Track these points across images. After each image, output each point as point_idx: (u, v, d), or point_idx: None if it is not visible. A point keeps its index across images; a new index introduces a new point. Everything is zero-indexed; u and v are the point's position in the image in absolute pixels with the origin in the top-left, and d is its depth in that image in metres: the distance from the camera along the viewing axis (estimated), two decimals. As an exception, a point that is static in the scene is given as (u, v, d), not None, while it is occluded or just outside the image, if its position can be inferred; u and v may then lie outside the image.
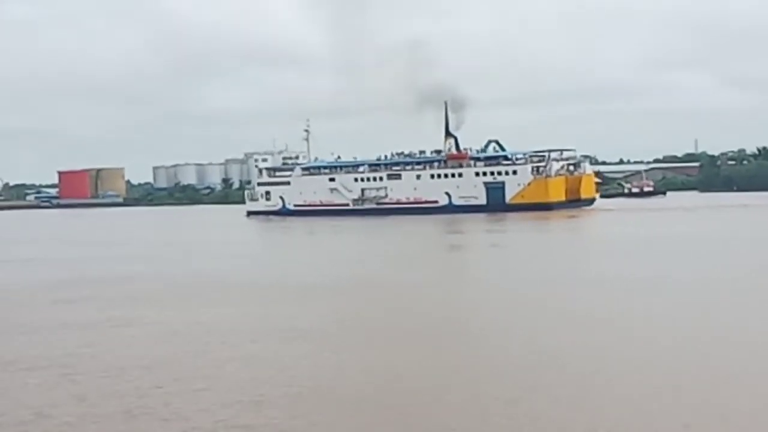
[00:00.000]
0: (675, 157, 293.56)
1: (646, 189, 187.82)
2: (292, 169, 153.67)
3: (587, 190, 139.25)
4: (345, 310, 37.21)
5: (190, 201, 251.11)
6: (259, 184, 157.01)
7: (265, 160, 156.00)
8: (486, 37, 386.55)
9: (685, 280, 43.75)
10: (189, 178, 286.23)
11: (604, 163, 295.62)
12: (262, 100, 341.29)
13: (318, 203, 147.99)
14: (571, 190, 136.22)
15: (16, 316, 37.96)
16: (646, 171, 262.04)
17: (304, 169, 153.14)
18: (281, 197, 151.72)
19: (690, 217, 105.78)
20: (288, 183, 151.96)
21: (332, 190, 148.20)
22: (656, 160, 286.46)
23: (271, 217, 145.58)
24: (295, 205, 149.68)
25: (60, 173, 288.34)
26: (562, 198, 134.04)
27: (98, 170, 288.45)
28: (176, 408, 21.64)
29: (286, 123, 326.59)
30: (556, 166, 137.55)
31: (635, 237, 74.93)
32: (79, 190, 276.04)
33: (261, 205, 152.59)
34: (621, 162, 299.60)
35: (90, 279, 52.34)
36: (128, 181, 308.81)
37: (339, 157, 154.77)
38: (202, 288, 46.22)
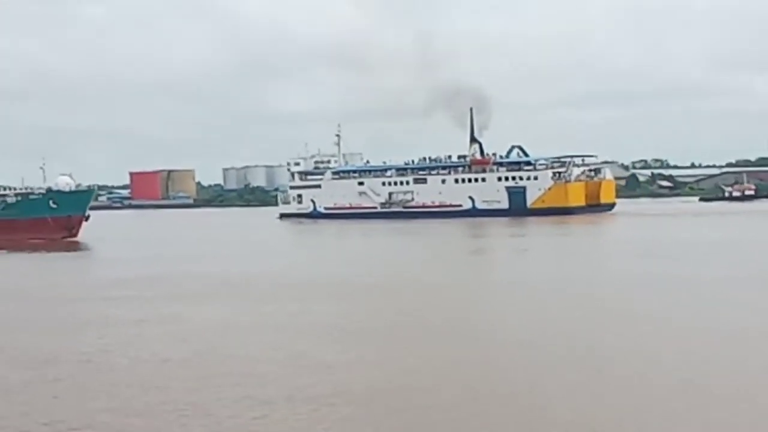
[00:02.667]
0: (748, 161, 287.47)
1: (747, 192, 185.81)
2: (323, 173, 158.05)
3: (607, 195, 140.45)
4: (397, 310, 38.80)
5: (259, 202, 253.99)
6: (291, 187, 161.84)
7: (297, 164, 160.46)
8: (549, 37, 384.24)
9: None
10: (258, 179, 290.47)
11: (675, 166, 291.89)
12: (330, 102, 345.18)
13: (347, 206, 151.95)
14: (591, 195, 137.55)
15: (71, 312, 41.55)
16: (717, 175, 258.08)
17: (334, 173, 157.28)
18: (312, 200, 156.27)
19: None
20: (319, 186, 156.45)
21: (361, 193, 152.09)
22: (729, 164, 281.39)
23: (302, 219, 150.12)
24: (326, 208, 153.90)
25: (132, 174, 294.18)
26: (582, 203, 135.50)
27: (169, 171, 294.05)
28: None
29: (352, 124, 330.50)
30: (576, 171, 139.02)
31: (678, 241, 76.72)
32: (151, 191, 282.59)
33: (293, 207, 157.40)
34: (692, 166, 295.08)
35: (148, 276, 56.58)
36: (198, 183, 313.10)
37: (368, 162, 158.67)
38: (255, 287, 48.75)
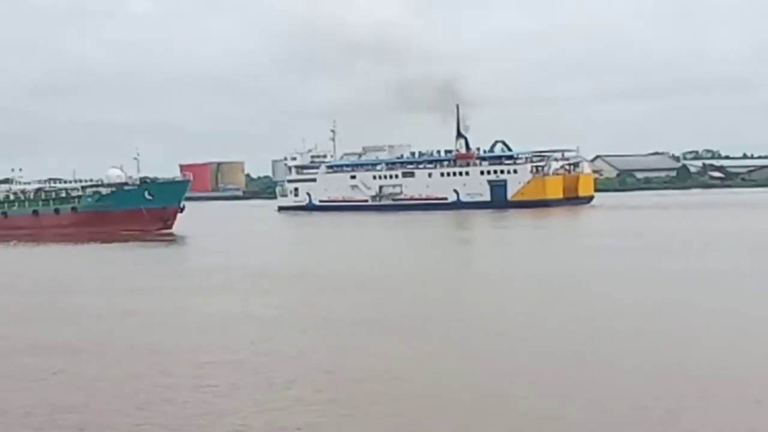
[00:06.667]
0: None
1: None
2: (318, 167, 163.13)
3: (585, 188, 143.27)
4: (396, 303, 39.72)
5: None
6: (288, 181, 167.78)
7: (294, 158, 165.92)
8: (595, 27, 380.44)
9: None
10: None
11: (727, 157, 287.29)
12: (376, 94, 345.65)
13: (340, 199, 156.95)
14: (569, 189, 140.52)
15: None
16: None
17: (328, 167, 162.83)
18: (308, 193, 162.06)
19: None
20: (314, 180, 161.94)
21: (353, 186, 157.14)
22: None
23: (298, 212, 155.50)
24: (320, 201, 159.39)
25: (182, 167, 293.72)
26: (560, 196, 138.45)
27: (219, 164, 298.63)
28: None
29: (396, 117, 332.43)
30: (555, 165, 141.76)
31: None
32: (201, 183, 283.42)
33: (290, 200, 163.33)
34: (744, 156, 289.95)
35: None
36: (248, 175, 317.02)
37: (360, 156, 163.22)
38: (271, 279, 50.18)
